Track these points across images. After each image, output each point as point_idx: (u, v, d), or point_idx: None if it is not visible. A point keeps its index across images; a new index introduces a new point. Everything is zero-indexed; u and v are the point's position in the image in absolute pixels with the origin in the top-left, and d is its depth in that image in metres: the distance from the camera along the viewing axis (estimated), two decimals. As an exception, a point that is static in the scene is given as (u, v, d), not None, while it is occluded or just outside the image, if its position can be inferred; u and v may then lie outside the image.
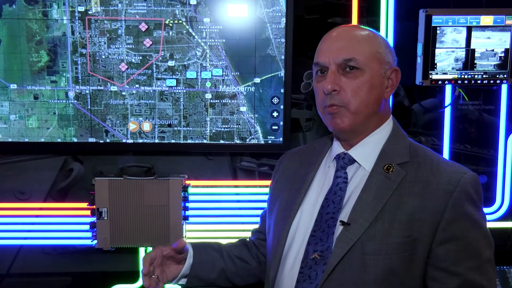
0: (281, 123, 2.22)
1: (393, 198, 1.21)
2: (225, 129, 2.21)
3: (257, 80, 2.18)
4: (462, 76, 2.16)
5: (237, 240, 1.65)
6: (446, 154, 2.31)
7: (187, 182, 2.27)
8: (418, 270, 1.20)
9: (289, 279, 1.28)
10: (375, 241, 1.18)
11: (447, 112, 2.30)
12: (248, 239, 1.64)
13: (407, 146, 1.30)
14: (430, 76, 2.16)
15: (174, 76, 2.17)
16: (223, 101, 2.19)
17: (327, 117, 1.29)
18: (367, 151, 1.30)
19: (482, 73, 2.16)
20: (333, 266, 1.19)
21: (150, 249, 2.33)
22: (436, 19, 2.11)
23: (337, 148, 1.36)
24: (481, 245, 1.20)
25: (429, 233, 1.18)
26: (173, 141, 2.22)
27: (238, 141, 2.22)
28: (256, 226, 1.67)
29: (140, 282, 2.37)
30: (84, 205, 2.26)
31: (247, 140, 2.23)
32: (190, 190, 2.28)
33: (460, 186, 1.19)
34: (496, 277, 1.25)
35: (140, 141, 2.22)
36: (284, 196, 1.41)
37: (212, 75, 2.18)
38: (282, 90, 2.19)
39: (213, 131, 2.21)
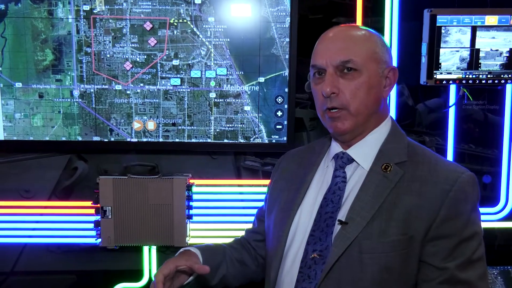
0: (285, 122, 2.22)
1: (391, 196, 1.21)
2: (229, 128, 2.22)
3: (261, 79, 2.19)
4: (467, 76, 2.16)
5: (233, 240, 1.61)
6: (450, 154, 2.30)
7: (191, 181, 2.28)
8: (415, 267, 1.21)
9: (289, 278, 1.28)
10: (372, 240, 1.19)
11: (452, 112, 2.30)
12: (243, 239, 1.61)
13: (406, 145, 1.31)
14: (435, 76, 2.15)
15: (178, 75, 2.18)
16: (227, 100, 2.20)
17: (327, 120, 1.29)
18: (365, 151, 1.31)
19: (486, 73, 2.15)
20: (331, 265, 1.19)
21: (154, 248, 2.34)
22: (441, 19, 2.11)
23: (335, 147, 1.36)
24: (473, 244, 1.20)
25: (423, 230, 1.19)
26: (177, 140, 2.22)
27: (242, 140, 2.23)
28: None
29: (144, 281, 2.38)
30: (89, 203, 2.27)
31: (251, 139, 2.23)
32: (194, 189, 2.29)
33: (457, 185, 1.19)
34: (487, 275, 1.25)
35: (145, 140, 2.22)
36: (283, 197, 1.41)
37: (216, 74, 2.18)
38: (286, 90, 2.19)
39: (217, 130, 2.22)
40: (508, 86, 2.26)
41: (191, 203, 2.26)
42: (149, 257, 2.36)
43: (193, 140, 2.22)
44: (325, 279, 1.20)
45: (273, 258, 1.35)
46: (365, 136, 1.31)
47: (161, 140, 2.22)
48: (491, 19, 2.11)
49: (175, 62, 2.16)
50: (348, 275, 1.19)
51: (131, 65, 2.16)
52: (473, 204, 1.22)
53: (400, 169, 1.24)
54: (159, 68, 2.17)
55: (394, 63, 2.22)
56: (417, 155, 1.28)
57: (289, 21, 2.14)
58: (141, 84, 2.18)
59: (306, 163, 1.43)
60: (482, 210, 2.30)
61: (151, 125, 2.21)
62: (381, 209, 1.20)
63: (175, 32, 2.14)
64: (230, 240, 2.29)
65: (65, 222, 2.33)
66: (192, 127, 2.21)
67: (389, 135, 1.32)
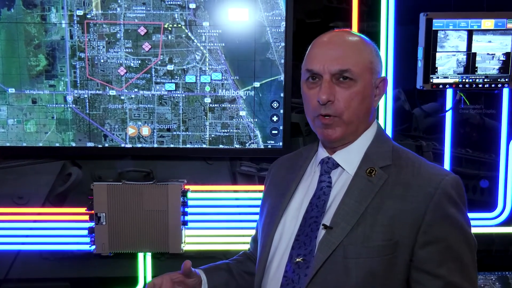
0: (281, 127, 2.20)
1: (375, 201, 1.21)
2: (225, 133, 2.20)
3: (257, 84, 2.17)
4: (463, 80, 2.15)
5: (239, 254, 1.63)
6: (447, 159, 2.29)
7: (186, 187, 2.26)
8: (400, 273, 1.20)
9: (273, 283, 1.28)
10: (357, 245, 1.18)
11: (448, 116, 2.28)
12: (248, 250, 1.63)
13: (390, 149, 1.30)
14: (431, 80, 2.14)
15: (173, 80, 2.16)
16: (223, 105, 2.18)
17: (318, 125, 1.29)
18: (350, 155, 1.31)
19: (483, 77, 2.14)
20: (316, 270, 1.19)
21: (148, 254, 2.32)
22: (437, 23, 2.10)
23: (322, 153, 1.36)
24: (463, 247, 1.19)
25: (410, 235, 1.18)
26: (172, 145, 2.20)
27: (237, 146, 2.21)
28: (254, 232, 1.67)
29: (138, 287, 2.36)
30: (83, 210, 2.24)
31: (247, 144, 2.21)
32: (189, 195, 2.27)
33: (440, 188, 1.18)
34: (477, 280, 1.24)
35: (139, 145, 2.20)
36: (271, 202, 1.42)
37: (211, 79, 2.16)
38: (282, 94, 2.18)
39: (213, 135, 2.20)
40: (504, 91, 2.25)
41: (186, 209, 2.24)
42: (144, 264, 2.34)
43: (188, 146, 2.21)
44: (309, 284, 1.19)
45: (259, 263, 1.36)
46: (352, 142, 1.31)
47: (155, 145, 2.20)
48: (487, 23, 2.11)
49: (170, 67, 2.15)
50: (332, 280, 1.19)
51: (125, 70, 2.14)
52: (459, 207, 1.21)
53: (384, 173, 1.24)
54: (153, 73, 2.15)
55: (391, 67, 2.21)
56: (401, 159, 1.28)
57: (284, 25, 2.13)
58: (136, 90, 2.16)
59: (293, 169, 1.44)
60: (479, 215, 2.33)
61: (145, 131, 2.20)
62: (366, 213, 1.20)
63: (169, 37, 2.13)
64: (228, 246, 2.31)
65: (59, 229, 2.31)
66: (187, 133, 2.20)
67: (374, 139, 1.32)
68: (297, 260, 1.23)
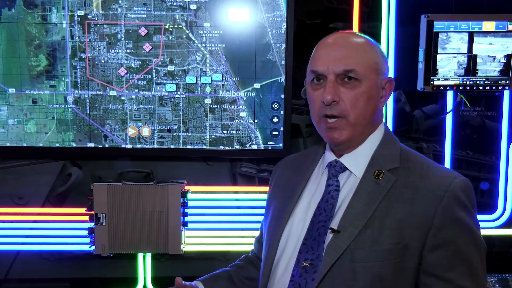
0: (281, 128, 2.20)
1: (383, 204, 1.20)
2: (225, 134, 2.20)
3: (257, 85, 2.17)
4: (464, 82, 2.14)
5: (240, 259, 1.62)
6: (447, 161, 2.29)
7: (187, 187, 2.25)
8: (409, 277, 1.19)
9: (280, 287, 1.27)
10: (365, 249, 1.17)
11: (449, 118, 2.28)
12: (251, 254, 1.62)
13: (398, 151, 1.29)
14: (432, 82, 2.14)
15: (173, 81, 2.16)
16: (223, 106, 2.18)
17: (323, 129, 1.28)
18: (358, 159, 1.29)
19: (484, 79, 2.14)
20: (324, 274, 1.18)
21: (148, 255, 2.32)
22: (438, 25, 2.10)
23: (329, 156, 1.35)
24: (472, 250, 1.19)
25: (419, 239, 1.17)
26: (172, 146, 2.20)
27: (238, 147, 2.21)
28: (257, 232, 1.66)
29: (138, 288, 2.36)
30: (83, 210, 2.24)
31: (247, 145, 2.21)
32: (189, 195, 2.27)
33: (449, 191, 1.17)
34: (486, 283, 1.23)
35: (139, 146, 2.20)
36: (277, 204, 1.40)
37: (212, 80, 2.16)
38: (282, 96, 2.17)
39: (213, 136, 2.20)
40: (505, 93, 2.25)
41: (186, 210, 2.24)
42: (144, 264, 2.34)
43: (189, 147, 2.20)
44: None
45: (264, 265, 1.34)
46: (359, 144, 1.30)
47: (156, 146, 2.20)
48: (488, 25, 2.10)
49: (170, 68, 2.15)
50: (340, 284, 1.18)
51: (125, 71, 2.14)
52: (468, 210, 1.20)
53: (392, 176, 1.23)
54: (154, 74, 2.15)
55: (391, 69, 2.21)
56: (409, 161, 1.27)
57: (285, 26, 2.13)
58: (136, 90, 2.16)
59: (299, 171, 1.42)
60: (480, 217, 2.31)
61: (146, 131, 2.19)
62: (374, 217, 1.19)
63: (170, 37, 2.13)
64: (227, 247, 2.31)
65: (59, 229, 2.31)
66: (188, 133, 2.20)
67: (381, 141, 1.31)
68: (304, 264, 1.22)
